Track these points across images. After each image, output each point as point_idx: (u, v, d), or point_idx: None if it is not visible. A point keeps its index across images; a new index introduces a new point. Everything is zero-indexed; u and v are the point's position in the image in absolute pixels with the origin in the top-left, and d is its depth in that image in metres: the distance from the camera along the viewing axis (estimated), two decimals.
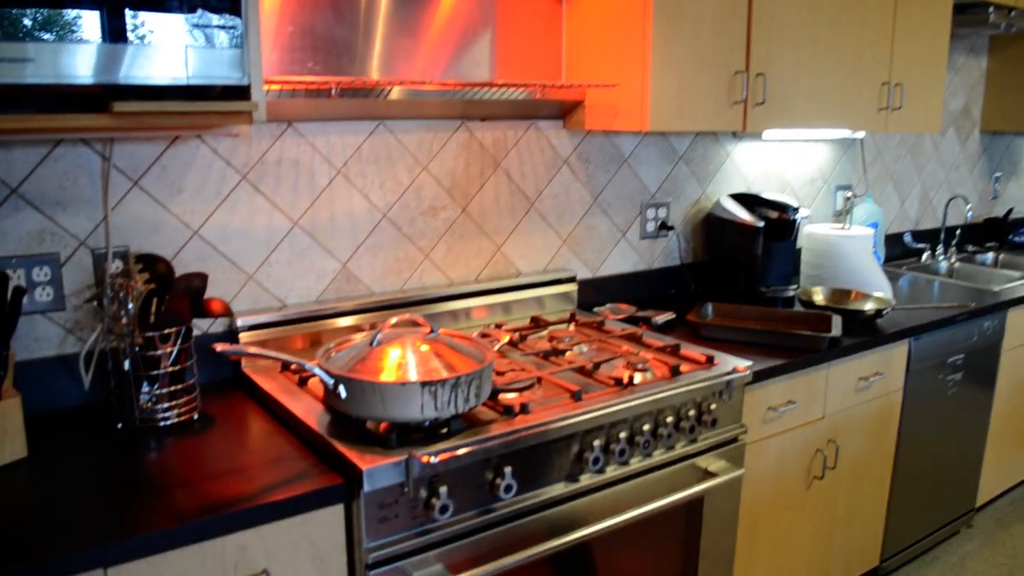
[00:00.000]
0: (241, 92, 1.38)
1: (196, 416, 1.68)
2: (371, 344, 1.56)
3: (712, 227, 2.75)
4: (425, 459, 1.40)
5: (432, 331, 1.62)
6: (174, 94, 1.32)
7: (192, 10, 1.29)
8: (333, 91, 1.78)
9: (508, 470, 1.53)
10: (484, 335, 2.07)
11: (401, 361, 1.52)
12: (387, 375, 1.49)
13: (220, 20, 1.32)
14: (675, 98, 2.12)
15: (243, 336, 1.88)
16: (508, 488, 1.53)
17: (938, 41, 2.83)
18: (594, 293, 2.57)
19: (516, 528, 1.58)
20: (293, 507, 1.36)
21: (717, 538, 1.99)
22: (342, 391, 1.47)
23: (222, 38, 1.32)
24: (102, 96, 1.27)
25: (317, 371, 1.49)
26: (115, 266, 1.72)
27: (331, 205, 2.01)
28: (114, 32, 1.23)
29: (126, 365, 1.61)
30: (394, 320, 1.60)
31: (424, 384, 1.44)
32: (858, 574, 2.62)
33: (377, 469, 1.38)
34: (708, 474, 1.91)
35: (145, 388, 1.62)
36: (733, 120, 2.26)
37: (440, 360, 1.55)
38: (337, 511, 1.41)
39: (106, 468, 1.46)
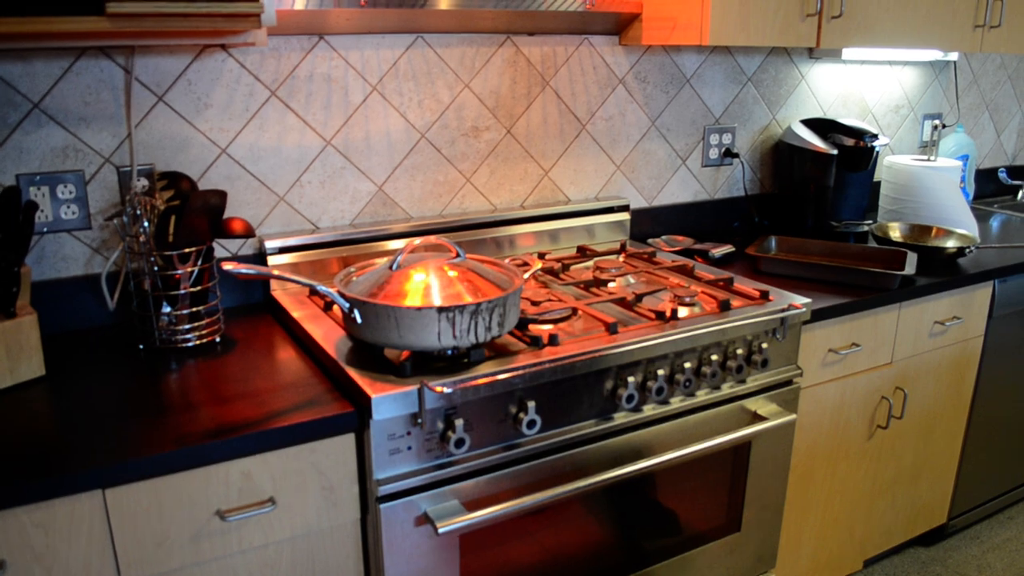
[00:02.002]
0: None
1: (218, 338, 1.64)
2: (391, 268, 1.47)
3: (781, 155, 2.55)
4: (439, 389, 1.32)
5: (458, 255, 1.53)
6: None
7: None
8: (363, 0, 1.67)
9: (532, 405, 1.44)
10: (520, 264, 1.96)
11: (423, 286, 1.43)
12: (406, 300, 1.40)
13: None
14: (739, 8, 1.93)
15: (272, 259, 1.82)
16: (531, 424, 1.44)
17: None
18: (650, 223, 2.42)
19: (539, 466, 1.50)
20: (301, 434, 1.30)
21: (765, 486, 1.87)
22: (357, 316, 1.40)
23: None
24: None
25: (332, 294, 1.41)
26: (140, 184, 1.68)
27: (366, 124, 1.91)
28: None
29: (147, 285, 1.57)
30: (417, 242, 1.51)
31: (441, 310, 1.35)
32: (922, 531, 2.47)
33: (387, 397, 1.31)
34: (757, 417, 1.78)
35: (165, 308, 1.58)
36: (806, 35, 2.06)
37: (465, 285, 1.45)
38: (348, 440, 1.35)
39: (120, 389, 1.43)
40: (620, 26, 2.16)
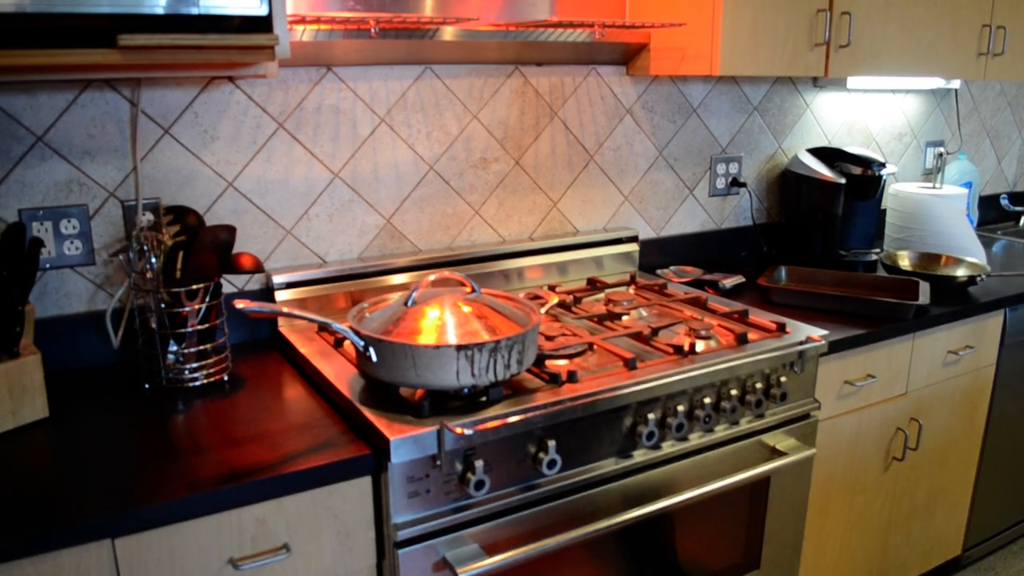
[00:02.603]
0: (261, 24, 1.25)
1: (226, 377, 1.59)
2: (406, 304, 1.44)
3: (788, 184, 2.54)
4: (459, 431, 1.28)
5: (473, 291, 1.50)
6: (186, 26, 1.21)
7: None
8: (372, 30, 1.65)
9: (552, 444, 1.40)
10: (533, 297, 1.93)
11: (438, 323, 1.40)
12: (421, 337, 1.36)
13: None
14: (749, 39, 1.92)
15: (279, 294, 1.78)
16: (552, 464, 1.40)
17: None
18: (658, 254, 2.40)
19: (560, 507, 1.45)
20: (316, 478, 1.26)
21: (784, 522, 1.83)
22: (372, 354, 1.36)
23: None
24: (110, 29, 1.16)
25: (346, 332, 1.37)
26: (145, 219, 1.64)
27: (374, 156, 1.88)
28: None
29: (152, 323, 1.53)
30: (432, 277, 1.48)
31: (460, 348, 1.31)
32: (937, 563, 2.43)
33: (407, 439, 1.27)
34: (776, 452, 1.74)
35: (172, 347, 1.54)
36: (814, 64, 2.05)
37: (481, 322, 1.42)
38: (364, 484, 1.31)
39: (127, 431, 1.38)
40: (628, 56, 2.15)
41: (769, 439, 1.74)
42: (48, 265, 1.60)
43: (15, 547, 1.07)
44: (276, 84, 1.74)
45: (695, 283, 2.21)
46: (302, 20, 1.52)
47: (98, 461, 1.27)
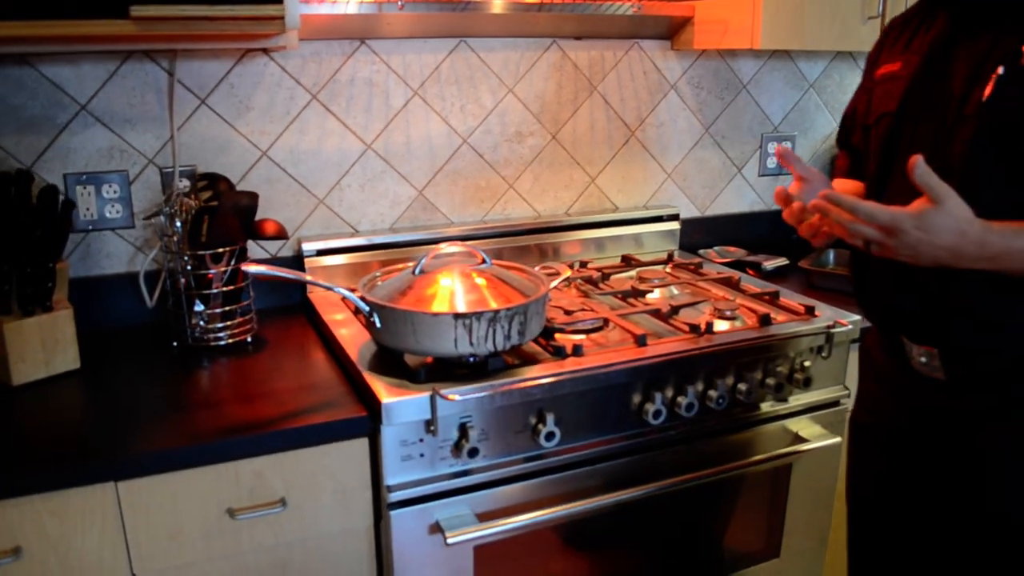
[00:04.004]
0: None
1: (250, 339, 1.65)
2: (414, 272, 1.46)
3: None
4: (451, 397, 1.30)
5: (484, 261, 1.51)
6: None
7: None
8: (400, 3, 1.67)
9: (551, 416, 1.40)
10: (552, 272, 1.92)
11: (444, 292, 1.42)
12: (426, 305, 1.38)
13: None
14: (794, 10, 1.85)
15: (310, 261, 1.84)
16: (550, 436, 1.40)
17: None
18: (703, 233, 2.34)
19: (559, 480, 1.45)
20: (313, 436, 1.30)
21: (807, 513, 1.77)
22: (377, 320, 1.39)
23: None
24: (123, 0, 1.22)
25: (352, 297, 1.41)
26: (183, 185, 1.71)
27: (407, 128, 1.91)
28: None
29: (180, 284, 1.60)
30: (444, 247, 1.49)
31: (457, 316, 1.33)
32: None
33: (399, 403, 1.29)
34: (798, 439, 1.69)
35: (198, 307, 1.61)
36: (867, 38, 1.94)
37: (489, 292, 1.43)
38: (361, 445, 1.34)
39: (149, 385, 1.46)
40: (672, 30, 2.10)
41: (793, 424, 1.69)
42: (90, 227, 1.69)
43: (28, 483, 1.15)
44: (310, 56, 1.78)
45: (736, 264, 2.15)
46: None
47: (116, 411, 1.34)
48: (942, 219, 1.04)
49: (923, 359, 1.27)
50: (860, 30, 1.94)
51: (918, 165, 1.02)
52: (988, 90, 1.12)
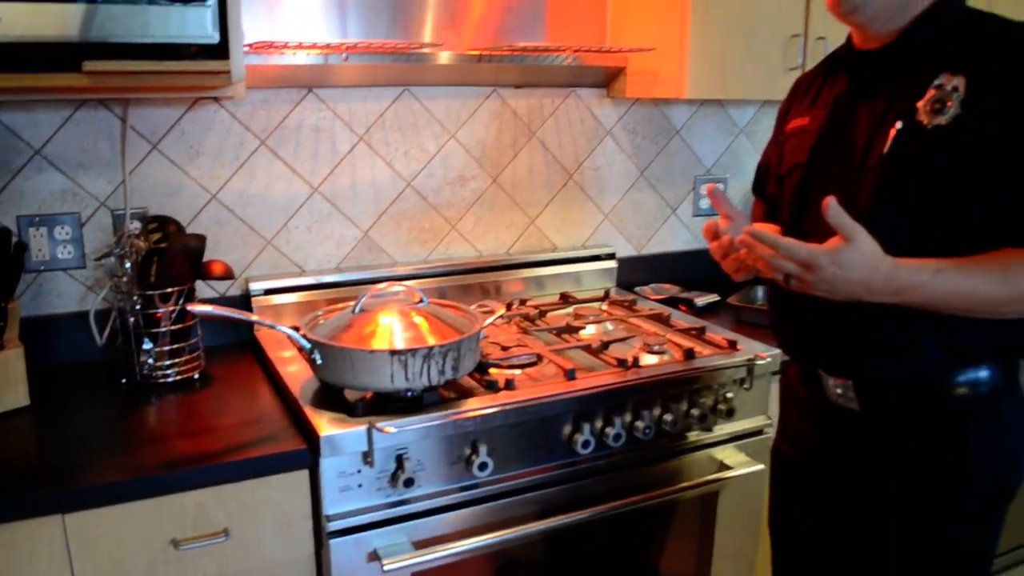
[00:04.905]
0: (217, 51, 1.37)
1: (197, 375, 1.71)
2: (353, 311, 1.54)
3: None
4: (387, 430, 1.37)
5: (421, 300, 1.59)
6: (148, 53, 1.33)
7: None
8: (344, 56, 1.77)
9: (483, 448, 1.48)
10: (487, 310, 2.01)
11: (382, 329, 1.49)
12: (365, 343, 1.46)
13: None
14: (718, 63, 1.98)
15: (257, 300, 1.90)
16: (483, 466, 1.48)
17: None
18: (640, 272, 2.45)
19: (492, 509, 1.53)
20: (254, 468, 1.36)
21: (735, 539, 1.87)
22: (317, 357, 1.46)
23: None
24: (76, 56, 1.29)
25: (293, 335, 1.48)
26: (133, 227, 1.77)
27: (352, 172, 2.00)
28: None
29: (130, 323, 1.66)
30: (382, 286, 1.58)
31: (393, 353, 1.41)
32: None
33: (337, 436, 1.36)
34: (724, 467, 1.79)
35: (147, 345, 1.66)
36: (787, 89, 2.09)
37: (426, 329, 1.51)
38: (302, 476, 1.41)
39: (97, 420, 1.51)
40: (607, 79, 2.23)
41: (718, 453, 1.78)
42: (42, 267, 1.75)
43: None
44: (259, 104, 1.87)
45: (670, 300, 2.26)
46: (270, 46, 1.64)
47: (64, 446, 1.39)
48: (855, 255, 1.12)
49: (839, 391, 1.35)
50: (782, 79, 2.07)
51: (831, 206, 1.10)
52: (888, 144, 1.22)
